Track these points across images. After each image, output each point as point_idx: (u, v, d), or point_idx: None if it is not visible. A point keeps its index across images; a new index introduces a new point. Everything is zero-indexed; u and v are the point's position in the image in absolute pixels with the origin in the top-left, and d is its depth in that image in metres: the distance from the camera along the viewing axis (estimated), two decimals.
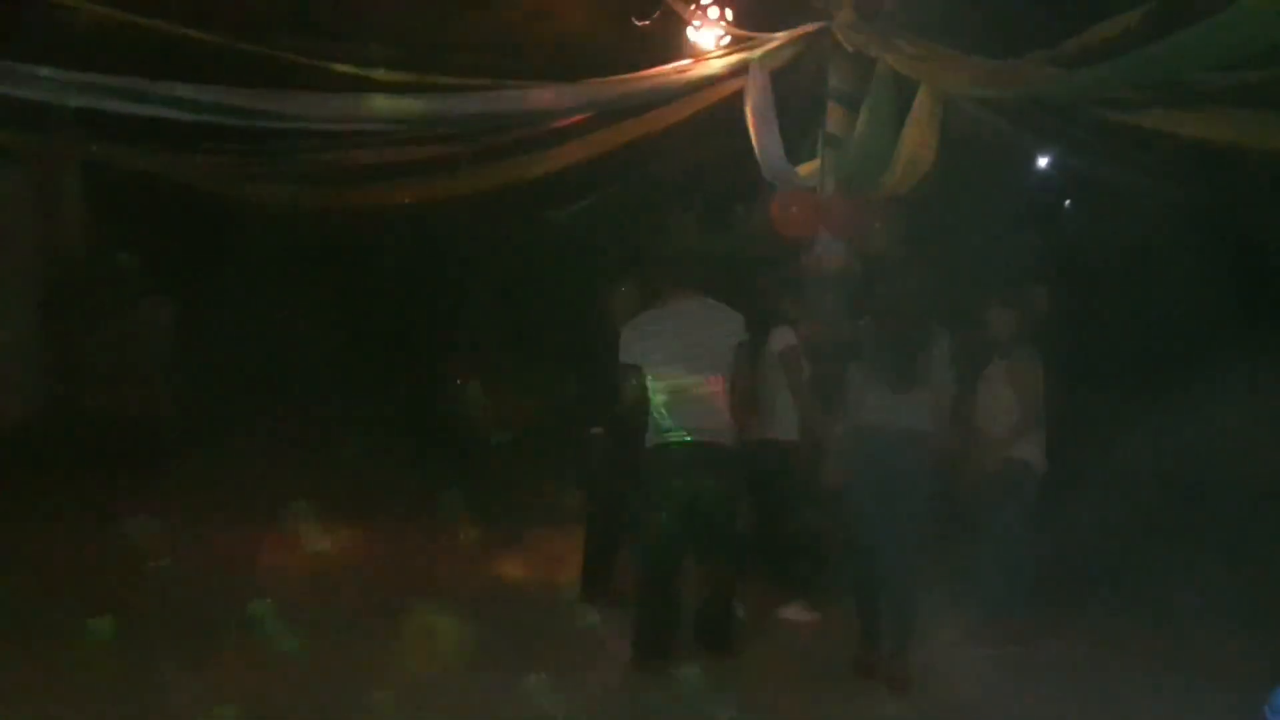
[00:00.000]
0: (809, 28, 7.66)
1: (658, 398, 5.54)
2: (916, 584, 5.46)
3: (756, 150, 7.57)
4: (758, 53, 7.61)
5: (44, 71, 5.88)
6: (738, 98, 7.70)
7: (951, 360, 5.64)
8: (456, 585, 6.80)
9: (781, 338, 6.51)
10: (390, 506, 8.49)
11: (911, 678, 5.38)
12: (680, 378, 5.51)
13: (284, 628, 5.50)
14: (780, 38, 7.68)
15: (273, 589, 6.13)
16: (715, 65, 7.72)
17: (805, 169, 7.85)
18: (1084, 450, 6.88)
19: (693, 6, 7.79)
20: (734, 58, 7.68)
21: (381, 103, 7.16)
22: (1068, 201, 10.35)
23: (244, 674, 5.14)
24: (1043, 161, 9.46)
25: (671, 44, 7.90)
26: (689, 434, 5.47)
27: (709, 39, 7.91)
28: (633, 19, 7.77)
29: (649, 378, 5.56)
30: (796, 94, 7.90)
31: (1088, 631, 6.31)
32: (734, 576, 5.76)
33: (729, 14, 7.91)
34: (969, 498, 6.22)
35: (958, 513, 6.20)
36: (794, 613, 6.51)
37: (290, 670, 5.22)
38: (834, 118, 7.64)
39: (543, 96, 7.55)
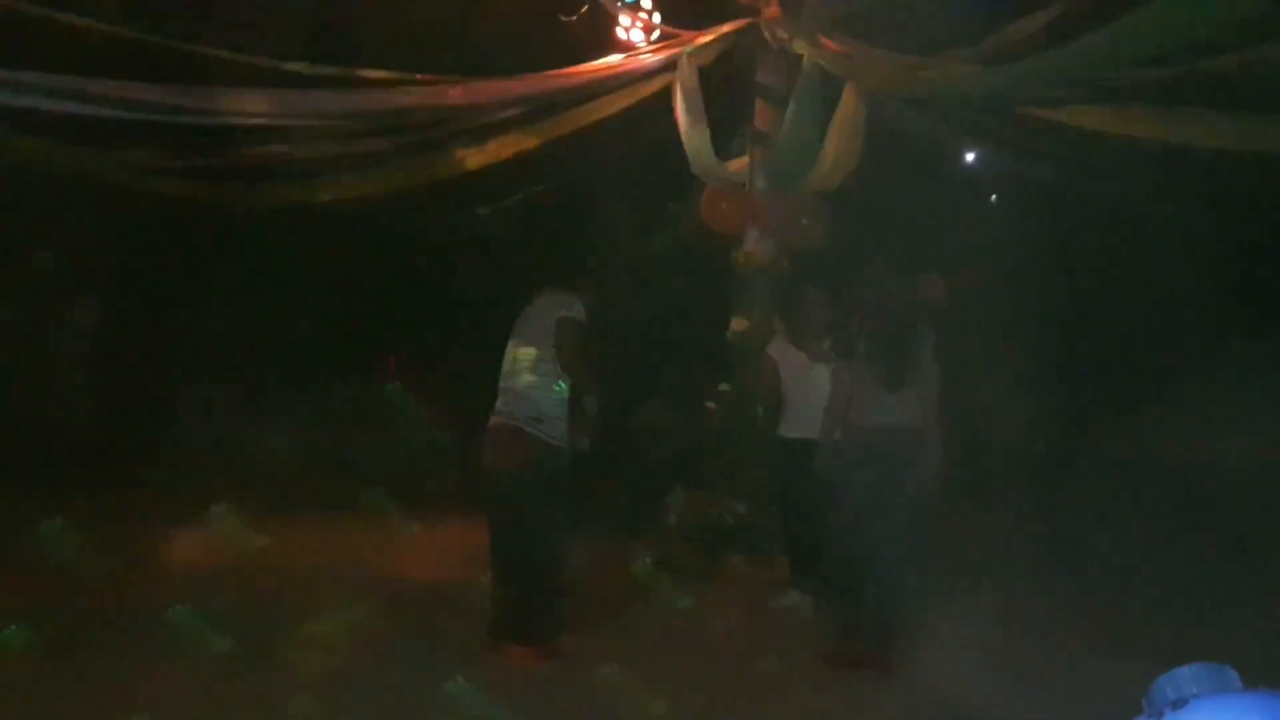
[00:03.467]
0: (736, 24, 7.71)
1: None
2: (907, 577, 5.47)
3: (685, 146, 7.60)
4: (686, 49, 7.64)
5: None
6: (666, 94, 7.73)
7: (934, 357, 5.71)
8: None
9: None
10: (317, 505, 8.36)
11: (896, 665, 5.33)
12: (515, 353, 5.55)
13: (208, 629, 5.42)
14: (708, 34, 7.71)
15: (193, 591, 6.05)
16: (644, 61, 7.73)
17: (734, 165, 7.89)
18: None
19: (621, 3, 7.79)
20: (662, 54, 7.70)
21: (306, 98, 7.07)
22: (993, 196, 10.49)
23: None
24: (969, 157, 9.59)
25: (600, 41, 7.89)
26: (518, 418, 5.45)
27: (637, 36, 7.91)
28: (560, 15, 7.75)
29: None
30: (725, 90, 7.94)
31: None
32: (541, 568, 5.43)
33: (657, 11, 7.91)
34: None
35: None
36: (790, 601, 6.53)
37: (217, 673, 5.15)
38: (762, 114, 7.69)
39: (471, 92, 7.52)
